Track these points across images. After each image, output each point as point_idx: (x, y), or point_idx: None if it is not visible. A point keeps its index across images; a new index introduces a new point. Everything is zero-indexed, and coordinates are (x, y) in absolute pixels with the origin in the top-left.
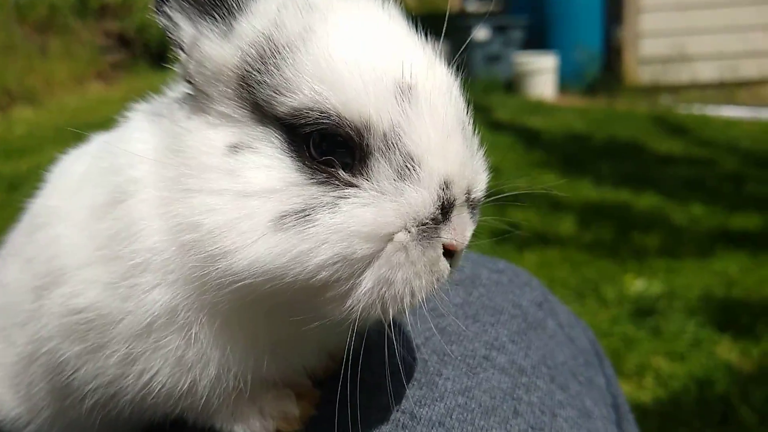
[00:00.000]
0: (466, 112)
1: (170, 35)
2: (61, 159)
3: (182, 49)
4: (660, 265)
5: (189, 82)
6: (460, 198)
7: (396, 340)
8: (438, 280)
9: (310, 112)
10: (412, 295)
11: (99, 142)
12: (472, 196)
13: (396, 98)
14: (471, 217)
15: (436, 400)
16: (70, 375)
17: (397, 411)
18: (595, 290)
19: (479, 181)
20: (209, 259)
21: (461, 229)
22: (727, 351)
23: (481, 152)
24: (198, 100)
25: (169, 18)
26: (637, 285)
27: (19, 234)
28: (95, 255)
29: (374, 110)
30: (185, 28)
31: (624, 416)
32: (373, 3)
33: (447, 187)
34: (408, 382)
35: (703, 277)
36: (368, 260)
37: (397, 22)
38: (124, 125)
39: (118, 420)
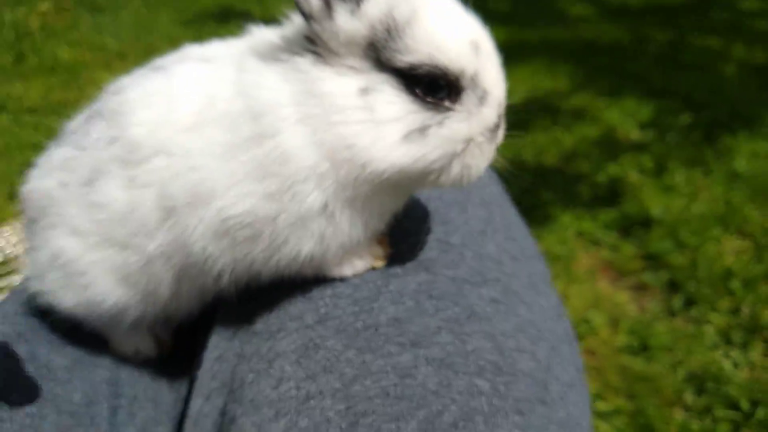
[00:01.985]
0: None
1: (302, 7)
2: (133, 88)
3: (312, 18)
4: None
5: (311, 41)
6: (503, 109)
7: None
8: (491, 159)
9: (425, 66)
10: (479, 171)
11: (190, 80)
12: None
13: (473, 52)
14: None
15: (456, 231)
16: (212, 264)
17: (437, 241)
18: None
19: (505, 94)
20: (362, 166)
21: (503, 128)
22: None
23: None
24: (323, 56)
25: None
26: None
27: (106, 161)
28: (247, 176)
29: (465, 63)
30: (316, 3)
31: None
32: None
33: (500, 105)
34: (434, 222)
35: None
36: (460, 155)
37: None
38: (229, 68)
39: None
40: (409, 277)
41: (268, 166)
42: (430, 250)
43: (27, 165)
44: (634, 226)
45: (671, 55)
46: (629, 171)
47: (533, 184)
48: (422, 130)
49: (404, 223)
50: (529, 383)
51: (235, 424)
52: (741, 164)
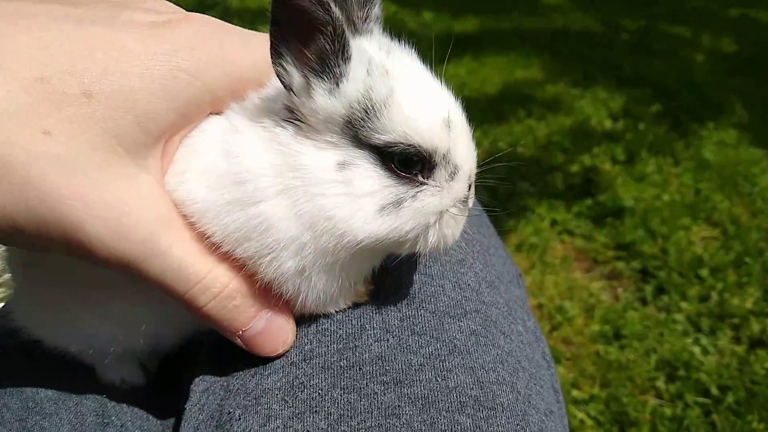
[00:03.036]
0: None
1: (283, 80)
2: None
3: (293, 92)
4: None
5: (292, 111)
6: (473, 181)
7: None
8: (463, 226)
9: (401, 144)
10: (454, 238)
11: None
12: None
13: (446, 131)
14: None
15: (435, 262)
16: None
17: (418, 273)
18: None
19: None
20: (341, 236)
21: (473, 196)
22: None
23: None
24: (304, 130)
25: (284, 69)
26: None
27: None
28: (228, 237)
29: (438, 142)
30: (297, 79)
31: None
32: (416, 61)
33: (470, 178)
34: (416, 269)
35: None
36: (434, 225)
37: (426, 70)
38: (218, 134)
39: None
40: (391, 313)
41: (249, 232)
42: (412, 284)
43: None
44: (607, 215)
45: (642, 43)
46: (602, 161)
47: (509, 175)
48: (397, 203)
49: (386, 258)
50: (508, 416)
51: None
52: (709, 153)
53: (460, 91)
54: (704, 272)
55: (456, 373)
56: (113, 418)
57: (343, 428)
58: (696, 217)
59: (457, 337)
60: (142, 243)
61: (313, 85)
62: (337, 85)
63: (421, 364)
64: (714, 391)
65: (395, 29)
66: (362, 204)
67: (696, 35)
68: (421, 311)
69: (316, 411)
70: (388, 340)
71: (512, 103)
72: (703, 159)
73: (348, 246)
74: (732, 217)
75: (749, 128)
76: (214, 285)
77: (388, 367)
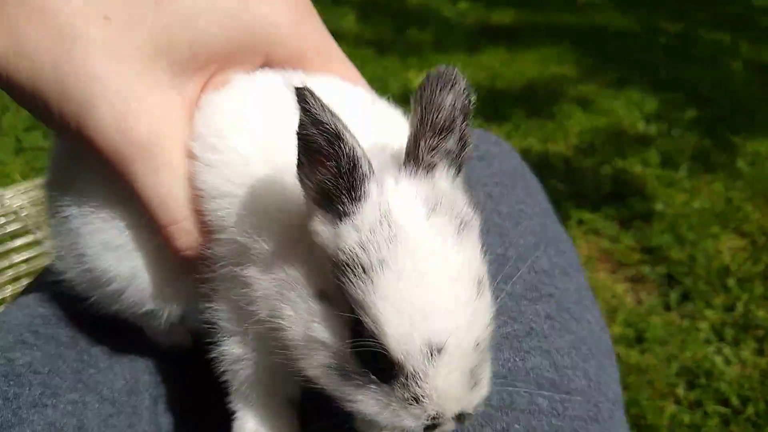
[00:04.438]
0: (485, 352)
1: (303, 188)
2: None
3: (305, 200)
4: (437, 60)
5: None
6: (447, 421)
7: None
8: None
9: (367, 332)
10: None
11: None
12: (463, 414)
13: (423, 355)
14: (456, 423)
15: (512, 245)
16: None
17: (495, 254)
18: (383, 87)
19: (471, 406)
20: (278, 348)
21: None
22: None
23: (485, 379)
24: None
25: (303, 182)
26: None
27: None
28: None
29: (405, 358)
30: (308, 199)
31: None
32: (456, 241)
33: (435, 418)
34: (491, 235)
35: (473, 71)
36: (361, 423)
37: (462, 258)
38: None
39: None
40: None
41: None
42: (489, 264)
43: (33, 119)
44: (635, 218)
45: (680, 47)
46: (633, 164)
47: (538, 171)
48: (342, 376)
49: None
50: (582, 401)
51: None
52: (743, 163)
53: (492, 82)
54: (731, 282)
55: (533, 355)
56: (166, 375)
57: None
58: (725, 226)
59: (534, 319)
60: (138, 146)
61: (313, 209)
62: (339, 219)
63: (499, 343)
64: (734, 401)
65: (429, 16)
66: (313, 347)
67: (735, 43)
68: (499, 292)
69: None
70: None
71: (544, 99)
72: (736, 168)
73: (287, 360)
74: (762, 228)
75: None
76: (180, 234)
77: None
